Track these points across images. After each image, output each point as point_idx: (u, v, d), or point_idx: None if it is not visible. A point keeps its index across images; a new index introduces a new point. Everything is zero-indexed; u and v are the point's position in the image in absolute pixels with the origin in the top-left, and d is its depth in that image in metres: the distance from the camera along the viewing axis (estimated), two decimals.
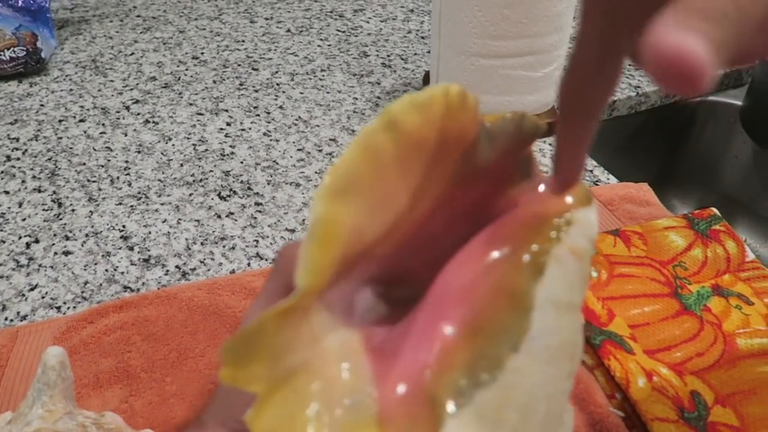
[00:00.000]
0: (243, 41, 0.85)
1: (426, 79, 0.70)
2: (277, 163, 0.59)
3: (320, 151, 0.61)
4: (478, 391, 0.16)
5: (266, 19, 0.92)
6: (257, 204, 0.54)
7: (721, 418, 0.34)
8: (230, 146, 0.62)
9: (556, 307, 0.18)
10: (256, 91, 0.72)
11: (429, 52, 0.80)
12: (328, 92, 0.72)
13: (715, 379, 0.36)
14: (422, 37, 0.85)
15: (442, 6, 0.58)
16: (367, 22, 0.90)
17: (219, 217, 0.53)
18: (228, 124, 0.66)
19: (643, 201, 0.52)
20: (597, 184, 0.55)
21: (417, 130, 0.17)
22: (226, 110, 0.69)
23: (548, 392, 0.18)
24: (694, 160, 0.80)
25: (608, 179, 0.56)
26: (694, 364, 0.37)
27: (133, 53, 0.83)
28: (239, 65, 0.79)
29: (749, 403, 0.34)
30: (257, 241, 0.50)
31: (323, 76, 0.75)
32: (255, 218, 0.52)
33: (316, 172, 0.58)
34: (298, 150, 0.61)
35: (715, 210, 0.48)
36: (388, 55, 0.80)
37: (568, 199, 0.20)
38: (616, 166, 0.66)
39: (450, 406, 0.16)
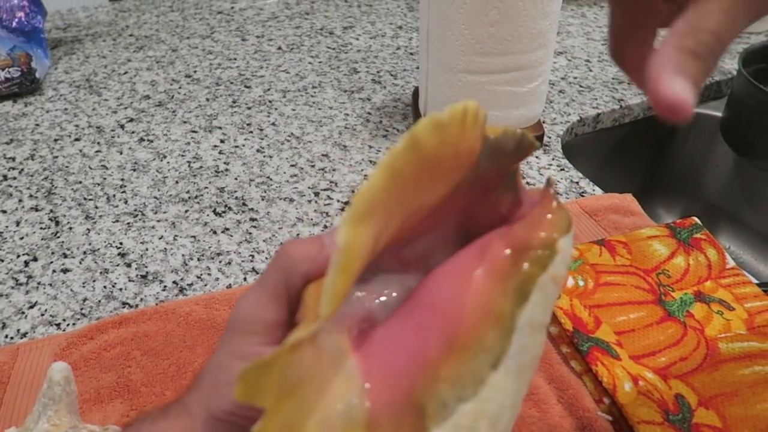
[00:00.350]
0: (235, 59, 0.87)
1: (415, 95, 0.72)
2: (271, 179, 0.61)
3: (313, 166, 0.62)
4: (460, 405, 0.18)
5: (257, 37, 0.94)
6: (252, 219, 0.55)
7: (704, 419, 0.35)
8: (224, 163, 0.63)
9: (532, 328, 0.19)
10: (249, 108, 0.74)
11: (418, 68, 0.82)
12: (319, 108, 0.73)
13: (699, 382, 0.37)
14: (411, 54, 0.87)
15: (429, 24, 0.60)
16: (357, 39, 0.92)
17: (215, 232, 0.54)
18: (222, 141, 0.67)
19: (627, 211, 0.54)
20: (583, 195, 0.57)
21: (437, 149, 0.19)
22: (220, 127, 0.70)
23: (513, 402, 0.19)
24: (677, 169, 0.82)
25: (594, 190, 0.58)
26: (678, 368, 0.38)
27: (126, 72, 0.84)
28: (232, 83, 0.80)
29: (731, 404, 0.36)
30: (253, 256, 0.51)
31: (315, 92, 0.77)
32: (250, 233, 0.53)
33: (309, 188, 0.59)
34: (291, 166, 0.63)
35: (696, 219, 0.50)
36: (377, 72, 0.82)
37: (555, 235, 0.21)
38: (602, 178, 0.68)
39: (434, 417, 0.18)
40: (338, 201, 0.57)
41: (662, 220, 0.83)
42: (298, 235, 0.53)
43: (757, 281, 0.47)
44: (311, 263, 0.23)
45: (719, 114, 0.75)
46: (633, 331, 0.41)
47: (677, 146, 0.81)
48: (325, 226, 0.54)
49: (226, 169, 0.62)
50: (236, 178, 0.61)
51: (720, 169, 0.79)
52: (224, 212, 0.56)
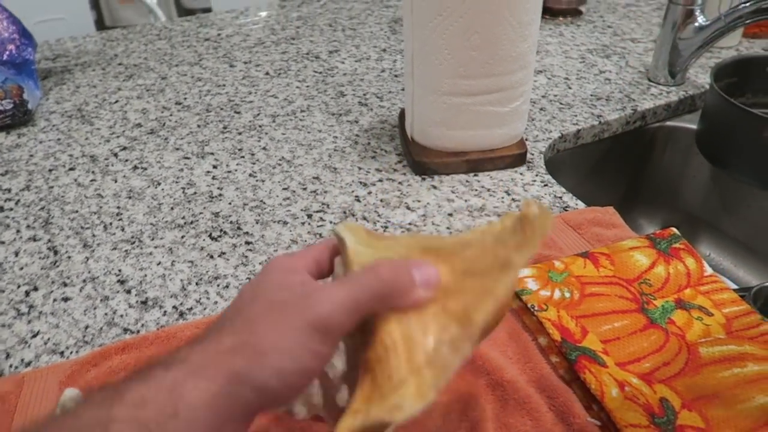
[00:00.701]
0: (224, 85, 0.89)
1: (401, 117, 0.74)
2: (264, 203, 0.62)
3: (305, 189, 0.64)
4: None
5: (245, 63, 0.96)
6: (247, 243, 0.57)
7: (688, 421, 0.37)
8: (218, 188, 0.65)
9: None
10: (240, 133, 0.76)
11: (403, 89, 0.84)
12: (308, 132, 0.75)
13: (681, 386, 0.39)
14: (395, 76, 0.89)
15: (413, 48, 0.62)
16: (343, 63, 0.95)
17: (211, 257, 0.55)
18: (214, 166, 0.69)
19: (609, 224, 0.56)
20: (566, 210, 0.59)
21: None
22: (212, 153, 0.71)
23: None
24: (656, 181, 0.85)
25: (577, 204, 0.60)
26: (662, 372, 0.40)
27: (117, 101, 0.85)
28: (222, 109, 0.82)
29: (713, 406, 0.38)
30: (249, 279, 0.52)
31: (303, 116, 0.79)
32: (246, 257, 0.55)
33: (302, 210, 0.61)
34: (284, 189, 0.64)
35: (674, 230, 0.52)
36: (364, 94, 0.84)
37: None
38: (584, 191, 0.70)
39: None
40: (330, 222, 0.59)
41: (644, 231, 0.86)
42: None
43: (735, 287, 0.49)
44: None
45: (694, 126, 0.79)
46: (618, 339, 0.43)
47: (655, 159, 0.84)
48: None
49: (220, 194, 0.64)
50: (230, 203, 0.62)
51: (697, 179, 0.82)
52: (220, 236, 0.58)
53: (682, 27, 0.80)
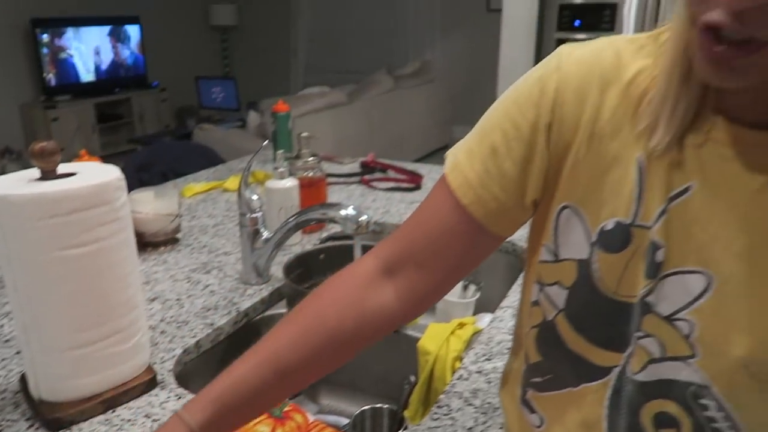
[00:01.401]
0: None
1: (23, 380, 0.75)
2: None
3: None
4: None
5: None
6: None
7: None
8: None
9: None
10: None
11: (18, 353, 0.84)
12: None
13: None
14: (6, 341, 0.88)
15: (24, 314, 0.67)
16: None
17: None
18: None
19: None
20: None
21: None
22: None
23: None
24: None
25: None
26: None
27: None
28: None
29: None
30: None
31: None
32: None
33: None
34: None
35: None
36: None
37: None
38: None
39: None
40: None
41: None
42: None
43: (347, 420, 0.67)
44: None
45: (285, 311, 1.02)
46: None
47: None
48: None
49: None
50: None
51: None
52: None
53: (255, 240, 1.06)
